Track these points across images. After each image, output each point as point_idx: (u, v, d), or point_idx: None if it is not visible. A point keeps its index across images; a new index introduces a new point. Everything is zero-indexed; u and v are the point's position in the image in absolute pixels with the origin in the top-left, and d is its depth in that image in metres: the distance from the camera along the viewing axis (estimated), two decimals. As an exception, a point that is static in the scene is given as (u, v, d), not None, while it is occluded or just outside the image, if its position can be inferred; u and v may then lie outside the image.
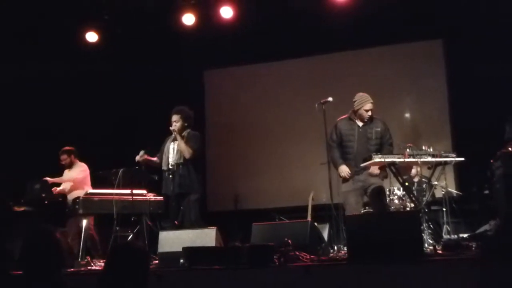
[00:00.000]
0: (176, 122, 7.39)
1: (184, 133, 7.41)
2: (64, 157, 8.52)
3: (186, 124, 7.45)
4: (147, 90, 10.96)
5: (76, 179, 8.42)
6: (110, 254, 3.06)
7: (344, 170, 6.90)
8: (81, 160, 8.68)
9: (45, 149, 9.41)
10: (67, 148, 8.58)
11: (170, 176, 7.26)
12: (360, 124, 7.00)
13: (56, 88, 10.40)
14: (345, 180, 7.01)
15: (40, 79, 10.08)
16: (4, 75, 9.56)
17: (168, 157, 7.38)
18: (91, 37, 10.57)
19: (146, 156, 7.49)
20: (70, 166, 8.55)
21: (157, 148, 7.72)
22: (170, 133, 7.49)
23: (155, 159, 7.60)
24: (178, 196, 7.28)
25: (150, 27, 10.53)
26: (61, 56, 10.20)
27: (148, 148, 7.57)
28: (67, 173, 8.58)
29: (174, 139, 7.41)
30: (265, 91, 11.48)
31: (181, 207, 7.31)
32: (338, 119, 7.17)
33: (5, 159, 9.22)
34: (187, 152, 7.27)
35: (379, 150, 6.82)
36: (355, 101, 7.01)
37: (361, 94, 7.03)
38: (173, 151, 7.36)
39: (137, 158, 7.44)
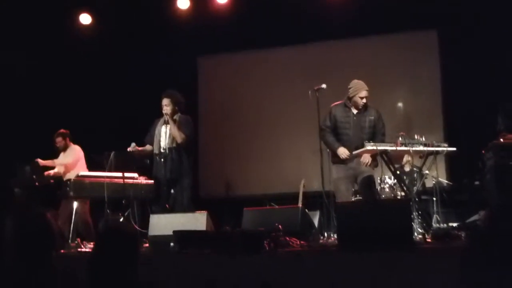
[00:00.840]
0: (167, 106, 7.34)
1: (176, 117, 7.38)
2: (59, 139, 8.58)
3: (176, 108, 7.41)
4: (140, 76, 10.90)
5: (67, 164, 8.47)
6: (99, 236, 3.07)
7: (344, 152, 6.87)
8: (75, 143, 8.70)
9: (37, 132, 9.41)
10: (62, 130, 8.65)
11: (162, 160, 7.23)
12: (355, 111, 7.01)
13: (48, 71, 10.37)
14: (336, 167, 7.02)
15: (31, 62, 10.05)
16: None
17: (159, 141, 7.35)
18: (85, 19, 10.53)
19: (137, 148, 7.47)
20: (64, 148, 8.62)
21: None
22: (159, 116, 7.46)
23: (143, 148, 7.57)
24: (170, 180, 7.26)
25: (144, 11, 10.48)
26: (54, 38, 10.16)
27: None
28: (61, 156, 8.62)
29: (166, 123, 7.36)
30: (259, 77, 11.45)
31: (172, 191, 7.30)
32: (333, 105, 7.16)
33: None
34: (180, 137, 7.24)
35: (372, 139, 6.84)
36: (350, 88, 7.00)
37: (356, 81, 7.03)
38: (165, 135, 7.31)
39: (129, 149, 7.42)
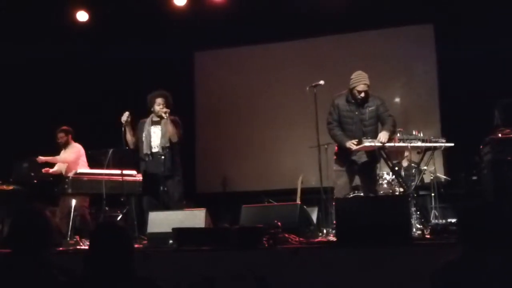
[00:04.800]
0: (164, 106, 7.35)
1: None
2: (61, 135, 8.59)
3: (170, 108, 7.44)
4: (137, 71, 10.90)
5: (67, 160, 8.48)
6: (92, 233, 3.08)
7: (351, 144, 6.76)
8: (76, 141, 8.72)
9: (36, 129, 9.41)
10: (65, 127, 8.68)
11: (159, 157, 7.22)
12: (357, 106, 6.88)
13: (46, 67, 10.37)
14: (338, 159, 6.99)
15: (30, 58, 10.05)
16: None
17: (150, 141, 7.32)
18: (82, 16, 10.52)
19: (129, 120, 7.36)
20: (65, 145, 8.62)
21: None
22: (144, 117, 7.46)
23: (132, 133, 7.48)
24: (163, 178, 7.24)
25: (141, 6, 10.47)
26: (52, 35, 10.16)
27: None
28: (62, 154, 8.63)
29: (154, 123, 7.38)
30: (256, 73, 11.46)
31: (162, 188, 7.28)
32: (336, 96, 7.04)
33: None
34: (177, 136, 7.29)
35: (376, 130, 6.77)
36: (351, 79, 6.87)
37: (358, 72, 6.87)
38: (155, 134, 7.33)
39: (123, 119, 7.27)
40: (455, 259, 2.58)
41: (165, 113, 7.26)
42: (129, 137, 7.40)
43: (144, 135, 7.35)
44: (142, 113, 7.53)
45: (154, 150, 7.28)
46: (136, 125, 7.53)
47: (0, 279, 3.08)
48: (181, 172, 7.49)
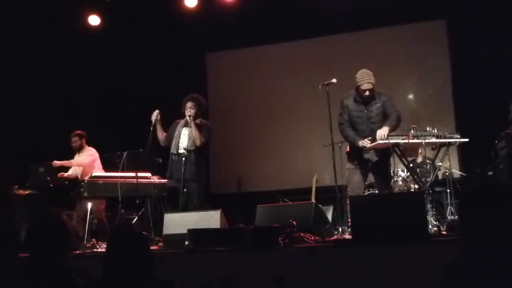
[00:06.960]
0: (191, 109, 7.43)
1: (197, 121, 7.48)
2: (75, 139, 8.66)
3: (199, 112, 7.51)
4: (149, 73, 10.94)
5: (83, 163, 8.54)
6: (110, 236, 3.09)
7: (363, 142, 6.75)
8: (89, 145, 8.78)
9: (50, 133, 9.47)
10: (79, 131, 8.75)
11: (182, 159, 7.29)
12: (364, 106, 6.90)
13: (59, 71, 10.44)
14: (351, 157, 6.98)
15: (41, 62, 10.12)
16: (7, 58, 9.60)
17: (179, 142, 7.42)
18: (94, 20, 10.58)
19: (159, 119, 7.48)
20: (79, 149, 8.69)
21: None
22: (179, 118, 7.53)
23: (162, 132, 7.59)
24: (185, 180, 7.31)
25: (152, 9, 10.51)
26: (65, 39, 10.22)
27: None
28: (77, 158, 8.69)
29: (186, 125, 7.45)
30: (268, 73, 11.46)
31: (185, 190, 7.34)
32: (344, 96, 7.03)
33: (10, 142, 9.27)
34: (199, 141, 7.34)
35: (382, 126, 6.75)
36: (356, 78, 6.88)
37: (362, 71, 6.86)
38: (185, 136, 7.42)
39: (153, 117, 7.40)
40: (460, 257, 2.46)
41: (189, 117, 7.36)
42: (159, 134, 7.57)
43: (175, 135, 7.46)
44: (150, 114, 7.58)
45: (180, 151, 7.37)
46: (169, 124, 7.68)
47: (19, 284, 3.10)
48: (205, 178, 7.58)
